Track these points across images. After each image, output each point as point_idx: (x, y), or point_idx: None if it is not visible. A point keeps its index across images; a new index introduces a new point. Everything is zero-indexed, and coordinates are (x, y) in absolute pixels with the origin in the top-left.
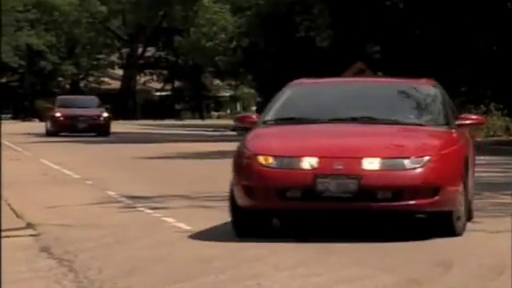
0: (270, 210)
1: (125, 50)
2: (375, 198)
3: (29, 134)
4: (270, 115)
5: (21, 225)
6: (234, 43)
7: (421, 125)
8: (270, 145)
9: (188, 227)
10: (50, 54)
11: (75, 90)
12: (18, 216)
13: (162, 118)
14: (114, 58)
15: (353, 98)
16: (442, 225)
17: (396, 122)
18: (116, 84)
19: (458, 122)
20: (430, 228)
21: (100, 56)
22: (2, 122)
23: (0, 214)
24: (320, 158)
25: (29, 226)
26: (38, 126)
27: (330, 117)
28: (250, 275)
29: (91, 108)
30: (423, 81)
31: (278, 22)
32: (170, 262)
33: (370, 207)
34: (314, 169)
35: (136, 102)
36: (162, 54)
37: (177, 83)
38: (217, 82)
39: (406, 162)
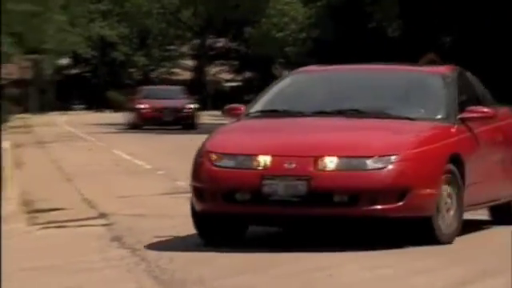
0: (220, 215)
1: (196, 41)
2: (329, 203)
3: (101, 124)
4: (255, 107)
5: (93, 214)
6: (304, 34)
7: (410, 118)
8: (227, 141)
9: None
10: (122, 45)
11: (146, 80)
12: (90, 206)
13: None
14: (185, 48)
15: (351, 89)
16: (420, 232)
17: (384, 116)
18: (187, 75)
19: (460, 116)
20: (408, 235)
21: (171, 47)
22: (76, 112)
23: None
24: (273, 156)
25: (101, 215)
26: (111, 117)
27: (316, 109)
28: (320, 266)
29: (177, 99)
30: (439, 69)
31: (349, 13)
32: (238, 253)
33: (322, 213)
34: (262, 169)
35: (207, 93)
36: (233, 44)
37: (247, 74)
38: (286, 72)
39: (368, 161)
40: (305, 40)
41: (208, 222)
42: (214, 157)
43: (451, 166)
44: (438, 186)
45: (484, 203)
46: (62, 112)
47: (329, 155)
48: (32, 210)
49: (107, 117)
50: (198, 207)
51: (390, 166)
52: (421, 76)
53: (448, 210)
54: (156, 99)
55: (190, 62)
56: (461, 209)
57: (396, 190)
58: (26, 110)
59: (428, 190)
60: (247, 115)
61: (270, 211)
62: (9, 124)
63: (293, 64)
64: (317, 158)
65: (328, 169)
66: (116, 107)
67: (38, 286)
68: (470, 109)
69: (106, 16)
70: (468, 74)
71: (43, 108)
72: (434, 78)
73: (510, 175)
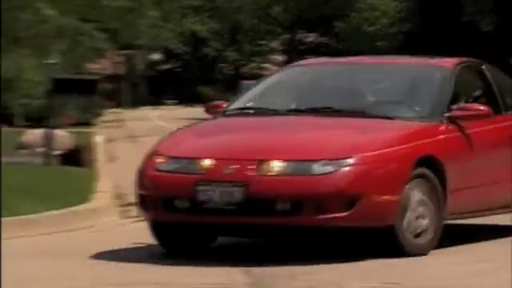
0: (162, 224)
1: (286, 36)
2: (270, 211)
3: (192, 119)
4: (235, 104)
5: None
6: (395, 28)
7: (388, 117)
8: (178, 143)
9: None
10: (213, 41)
11: (237, 76)
12: None
13: None
14: (275, 44)
15: (340, 84)
16: (381, 242)
17: (360, 114)
18: (277, 70)
19: (448, 114)
20: (370, 246)
21: (262, 42)
22: (168, 106)
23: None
24: (216, 159)
25: None
26: (202, 112)
27: (291, 107)
28: (408, 260)
29: None
30: (441, 62)
31: (440, 6)
32: (328, 250)
33: (261, 222)
34: (199, 174)
35: None
36: (323, 39)
37: None
38: None
39: (315, 165)
40: (395, 34)
41: (165, 231)
42: (158, 160)
43: (424, 170)
44: (399, 192)
45: (482, 211)
46: (153, 107)
47: (274, 159)
48: (125, 204)
49: (198, 112)
50: (143, 215)
51: (340, 171)
52: (416, 70)
53: (419, 219)
54: None
55: (280, 57)
56: (439, 217)
57: (343, 198)
58: (118, 105)
59: (385, 197)
60: (223, 113)
61: (206, 220)
62: (102, 119)
63: None
64: (260, 162)
65: (270, 174)
66: (207, 102)
67: (130, 279)
68: (461, 106)
69: (197, 12)
70: (485, 68)
71: (135, 103)
72: (430, 72)
73: None
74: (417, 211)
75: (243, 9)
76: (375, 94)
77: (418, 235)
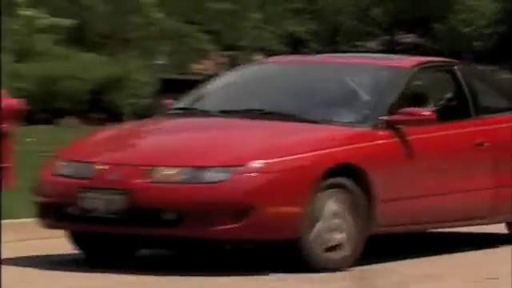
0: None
1: (384, 38)
2: (154, 221)
3: None
4: (178, 103)
5: None
6: (490, 29)
7: (313, 121)
8: (85, 145)
9: None
10: (312, 42)
11: None
12: None
13: None
14: (373, 44)
15: (286, 85)
16: (287, 255)
17: (289, 118)
18: None
19: (385, 119)
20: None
21: (359, 43)
22: None
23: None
24: (108, 165)
25: None
26: None
27: (224, 108)
28: (500, 256)
29: None
30: (398, 61)
31: None
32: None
33: (145, 232)
34: (89, 179)
35: None
36: (421, 40)
37: None
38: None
39: (208, 172)
40: (491, 35)
41: (85, 239)
42: (58, 163)
43: (341, 180)
44: (304, 202)
45: (423, 223)
46: None
47: (166, 165)
48: None
49: None
50: (40, 224)
51: (232, 179)
52: (368, 71)
53: (332, 232)
54: None
55: None
56: (360, 230)
57: (231, 208)
58: None
59: (285, 208)
60: (166, 113)
61: (91, 229)
62: None
63: (479, 59)
64: (151, 168)
65: (160, 181)
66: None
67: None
68: (401, 111)
69: (298, 14)
70: (458, 69)
71: None
72: (379, 74)
73: (478, 190)
74: (329, 224)
75: (344, 11)
76: (317, 95)
77: (330, 249)
